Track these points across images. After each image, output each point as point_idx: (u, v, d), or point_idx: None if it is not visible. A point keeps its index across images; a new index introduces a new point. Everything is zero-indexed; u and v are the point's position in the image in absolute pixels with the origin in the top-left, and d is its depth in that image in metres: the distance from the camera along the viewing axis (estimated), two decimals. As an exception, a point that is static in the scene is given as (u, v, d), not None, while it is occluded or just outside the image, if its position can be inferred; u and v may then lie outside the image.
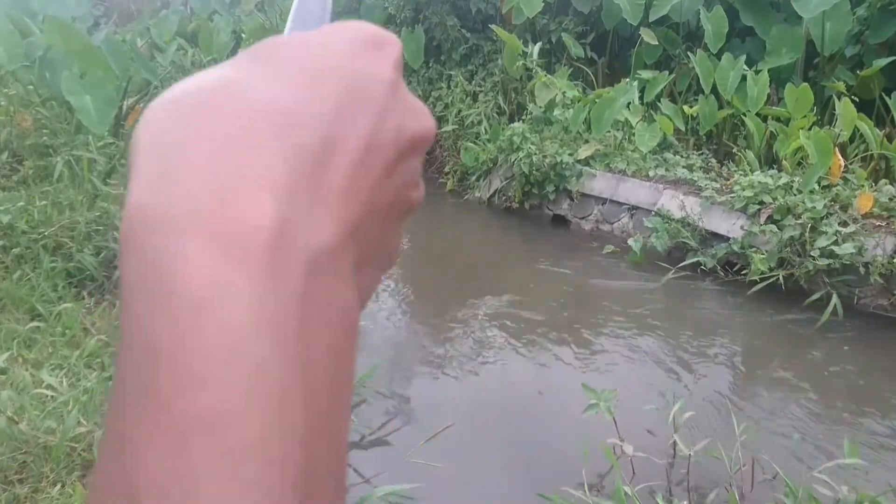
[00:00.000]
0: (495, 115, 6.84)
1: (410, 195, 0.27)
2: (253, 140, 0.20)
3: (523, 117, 6.32)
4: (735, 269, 4.61)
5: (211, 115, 0.21)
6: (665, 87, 6.24)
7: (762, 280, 4.31)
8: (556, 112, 6.08)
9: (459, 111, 6.96)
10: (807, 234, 4.21)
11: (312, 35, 0.25)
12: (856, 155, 5.00)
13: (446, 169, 6.96)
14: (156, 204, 0.19)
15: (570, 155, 5.67)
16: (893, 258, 3.97)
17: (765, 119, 5.50)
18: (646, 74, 6.32)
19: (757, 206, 4.52)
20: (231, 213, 0.19)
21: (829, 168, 4.54)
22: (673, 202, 5.03)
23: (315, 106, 0.22)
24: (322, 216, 0.21)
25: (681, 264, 4.65)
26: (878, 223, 4.17)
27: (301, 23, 0.30)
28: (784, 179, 4.59)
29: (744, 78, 5.65)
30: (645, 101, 6.11)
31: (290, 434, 0.18)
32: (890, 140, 4.89)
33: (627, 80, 6.12)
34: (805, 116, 5.14)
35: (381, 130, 0.24)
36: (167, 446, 0.17)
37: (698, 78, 5.92)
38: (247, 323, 0.18)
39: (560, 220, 5.87)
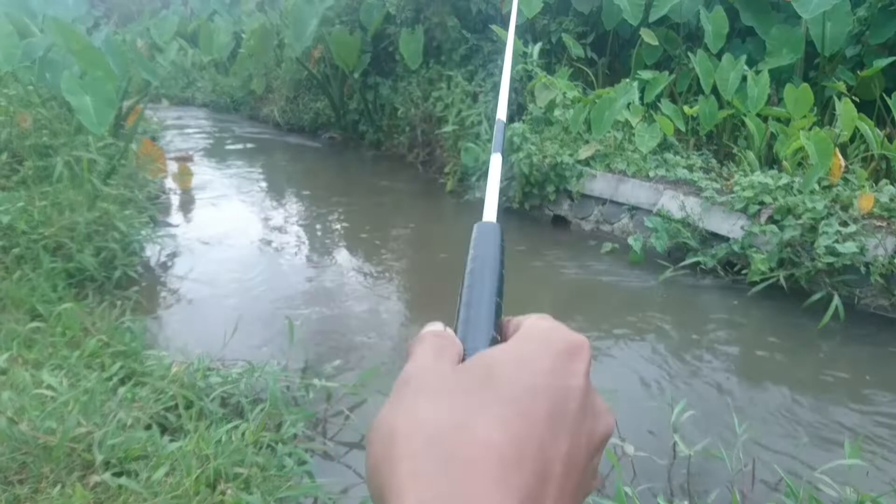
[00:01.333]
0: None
1: (590, 484, 0.30)
2: (483, 486, 0.24)
3: (523, 118, 6.31)
4: (735, 269, 4.61)
5: (448, 454, 0.25)
6: (665, 87, 6.24)
7: (762, 280, 4.30)
8: (557, 112, 6.08)
9: (460, 111, 6.96)
10: (808, 235, 4.21)
11: (516, 350, 0.29)
12: (856, 155, 5.00)
13: (446, 169, 6.95)
14: None
15: (571, 155, 5.67)
16: (894, 258, 3.96)
17: (765, 119, 5.49)
18: (646, 75, 6.32)
19: (757, 207, 4.52)
20: None
21: (830, 168, 4.54)
22: (673, 202, 5.03)
23: (530, 442, 0.26)
24: None
25: (681, 264, 4.64)
26: (878, 223, 4.17)
27: (473, 328, 0.34)
28: (784, 180, 4.59)
29: (744, 78, 5.65)
30: (645, 102, 6.11)
31: None
32: (890, 140, 4.89)
33: (627, 80, 6.11)
34: (805, 117, 5.14)
35: (577, 444, 0.27)
36: None
37: (698, 78, 5.92)
38: None
39: (560, 221, 5.86)
